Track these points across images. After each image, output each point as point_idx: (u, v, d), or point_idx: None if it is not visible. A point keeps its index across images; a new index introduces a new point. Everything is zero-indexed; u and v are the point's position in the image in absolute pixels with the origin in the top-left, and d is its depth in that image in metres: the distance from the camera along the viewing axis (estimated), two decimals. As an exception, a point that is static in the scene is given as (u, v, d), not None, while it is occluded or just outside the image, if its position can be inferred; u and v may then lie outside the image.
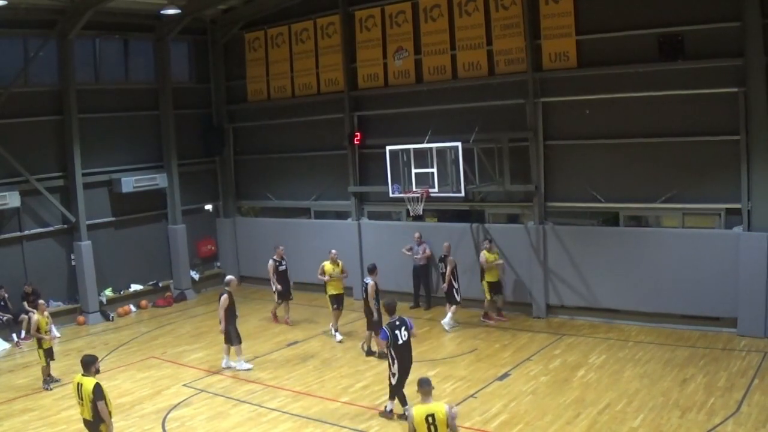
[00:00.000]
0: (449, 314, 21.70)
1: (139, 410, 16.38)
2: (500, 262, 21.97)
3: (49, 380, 18.25)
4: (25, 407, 16.93)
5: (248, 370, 18.85)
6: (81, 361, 12.79)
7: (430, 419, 10.04)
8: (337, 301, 21.27)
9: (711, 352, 18.12)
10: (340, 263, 21.48)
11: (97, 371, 12.82)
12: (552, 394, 16.03)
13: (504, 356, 18.99)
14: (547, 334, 20.68)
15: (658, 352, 18.40)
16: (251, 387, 17.68)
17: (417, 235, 23.88)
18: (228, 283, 19.46)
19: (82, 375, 12.62)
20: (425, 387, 10.51)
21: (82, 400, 12.50)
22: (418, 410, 10.18)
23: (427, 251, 23.77)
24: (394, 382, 15.18)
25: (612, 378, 16.76)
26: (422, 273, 24.11)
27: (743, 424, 13.72)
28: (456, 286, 21.70)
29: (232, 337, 18.94)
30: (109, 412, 12.49)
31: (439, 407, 10.18)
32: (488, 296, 21.94)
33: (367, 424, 15.05)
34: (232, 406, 16.45)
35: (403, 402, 15.27)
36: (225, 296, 18.94)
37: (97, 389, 12.34)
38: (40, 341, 18.13)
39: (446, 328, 21.54)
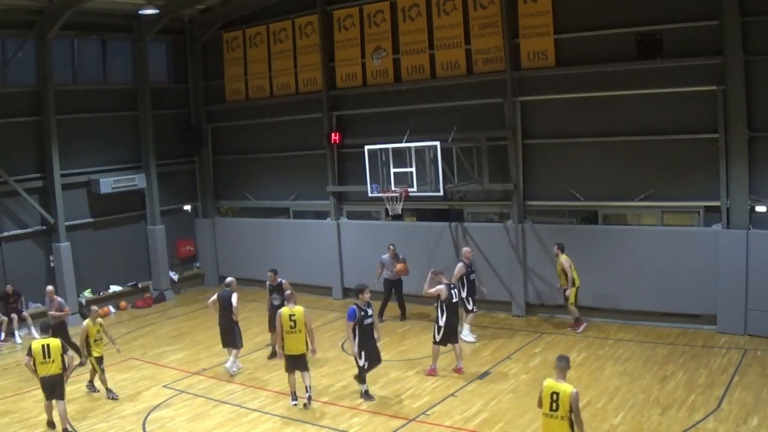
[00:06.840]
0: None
1: (119, 411, 16.31)
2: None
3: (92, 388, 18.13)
4: (5, 410, 16.80)
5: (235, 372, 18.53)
6: (40, 327, 15.63)
7: (554, 396, 10.80)
8: None
9: (691, 349, 18.23)
10: None
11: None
12: (532, 392, 15.92)
13: (484, 355, 19.02)
14: (526, 333, 20.74)
15: (638, 349, 18.51)
16: (232, 387, 17.63)
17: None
18: (229, 284, 18.80)
19: (44, 338, 15.10)
20: (560, 363, 11.05)
21: (50, 357, 14.82)
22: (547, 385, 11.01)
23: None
24: None
25: (592, 376, 16.84)
26: None
27: (724, 421, 13.81)
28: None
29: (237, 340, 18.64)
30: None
31: (565, 388, 10.70)
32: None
33: (347, 424, 15.04)
34: (213, 407, 16.39)
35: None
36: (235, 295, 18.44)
37: (62, 344, 15.19)
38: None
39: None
